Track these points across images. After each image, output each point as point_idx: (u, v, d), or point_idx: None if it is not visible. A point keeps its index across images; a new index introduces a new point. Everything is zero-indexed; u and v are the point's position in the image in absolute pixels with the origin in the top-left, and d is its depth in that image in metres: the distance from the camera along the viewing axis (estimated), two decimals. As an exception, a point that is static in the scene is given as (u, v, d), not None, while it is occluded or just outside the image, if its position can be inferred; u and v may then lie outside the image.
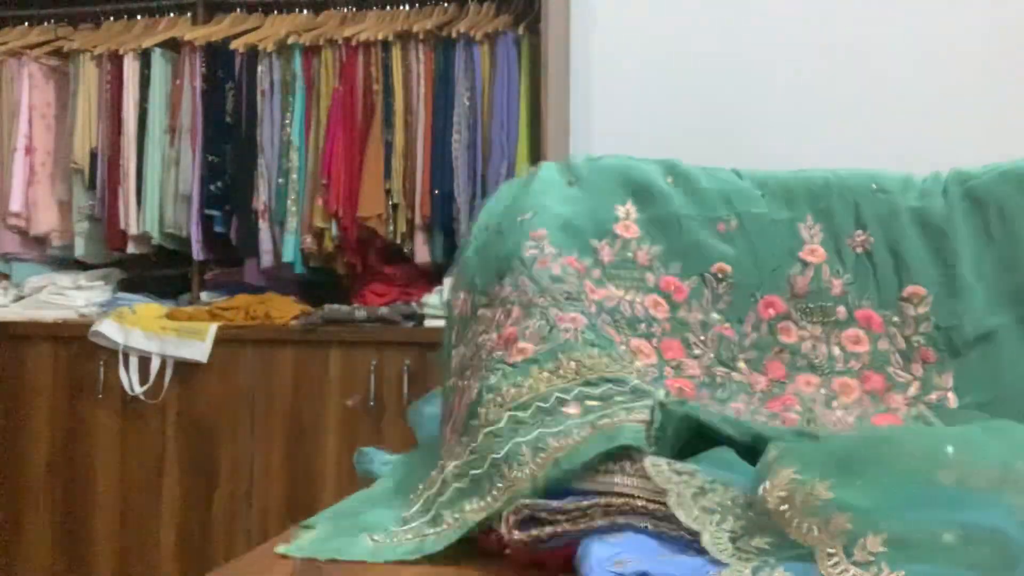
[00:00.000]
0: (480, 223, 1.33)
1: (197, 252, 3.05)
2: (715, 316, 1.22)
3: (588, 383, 1.01)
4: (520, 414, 0.97)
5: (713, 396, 1.18)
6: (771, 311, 1.23)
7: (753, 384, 1.19)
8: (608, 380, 1.01)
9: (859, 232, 1.25)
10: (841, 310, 1.21)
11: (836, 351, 1.20)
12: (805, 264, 1.24)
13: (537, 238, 1.21)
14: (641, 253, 1.24)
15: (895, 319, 1.20)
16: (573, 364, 1.03)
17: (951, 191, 1.28)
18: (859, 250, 1.24)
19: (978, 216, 1.25)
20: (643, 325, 1.20)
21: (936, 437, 0.73)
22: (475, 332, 1.19)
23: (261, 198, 2.99)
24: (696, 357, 1.20)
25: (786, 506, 0.67)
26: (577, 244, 1.23)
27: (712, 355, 1.21)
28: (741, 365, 1.20)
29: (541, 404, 0.98)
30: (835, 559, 0.62)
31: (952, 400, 1.17)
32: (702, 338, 1.21)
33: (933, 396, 1.17)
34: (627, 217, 1.27)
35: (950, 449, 0.68)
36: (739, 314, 1.22)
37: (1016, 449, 0.70)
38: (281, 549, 0.97)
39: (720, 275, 1.24)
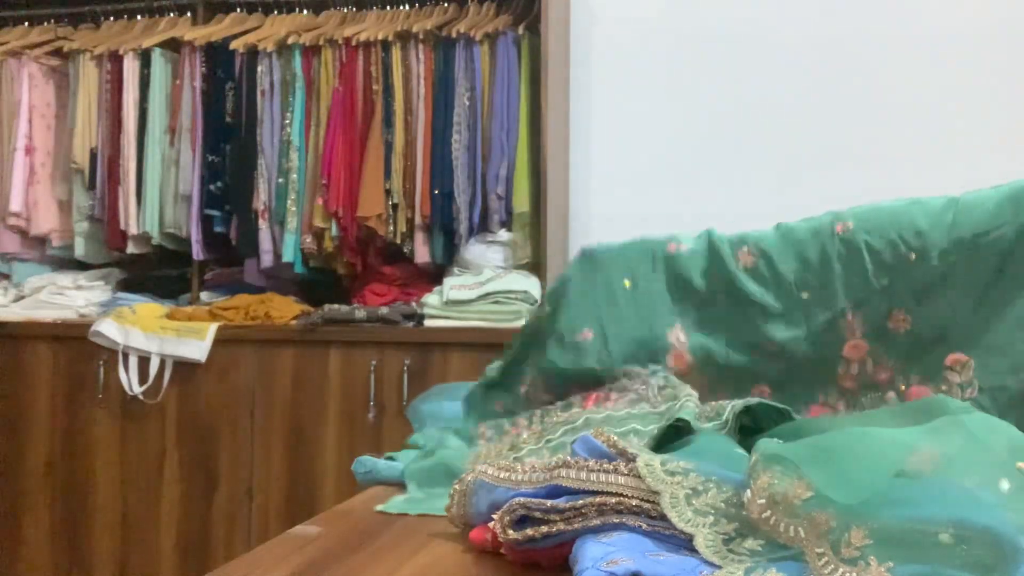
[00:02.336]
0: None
1: (197, 252, 3.06)
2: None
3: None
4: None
5: None
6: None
7: None
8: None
9: (898, 312, 1.19)
10: (891, 396, 1.17)
11: None
12: (849, 362, 1.20)
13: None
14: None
15: (943, 388, 1.15)
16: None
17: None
18: (901, 330, 1.19)
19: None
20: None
21: (915, 432, 0.73)
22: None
23: (261, 198, 2.99)
24: None
25: (768, 512, 0.67)
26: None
27: None
28: None
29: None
30: (825, 559, 0.62)
31: None
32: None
33: None
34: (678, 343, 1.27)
35: (925, 443, 0.68)
36: None
37: (992, 440, 0.70)
38: (379, 508, 1.08)
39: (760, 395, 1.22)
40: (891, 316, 1.18)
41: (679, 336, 1.26)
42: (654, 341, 1.25)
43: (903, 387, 1.17)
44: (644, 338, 1.26)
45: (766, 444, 0.73)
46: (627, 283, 1.30)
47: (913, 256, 1.17)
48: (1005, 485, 0.66)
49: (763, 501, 0.68)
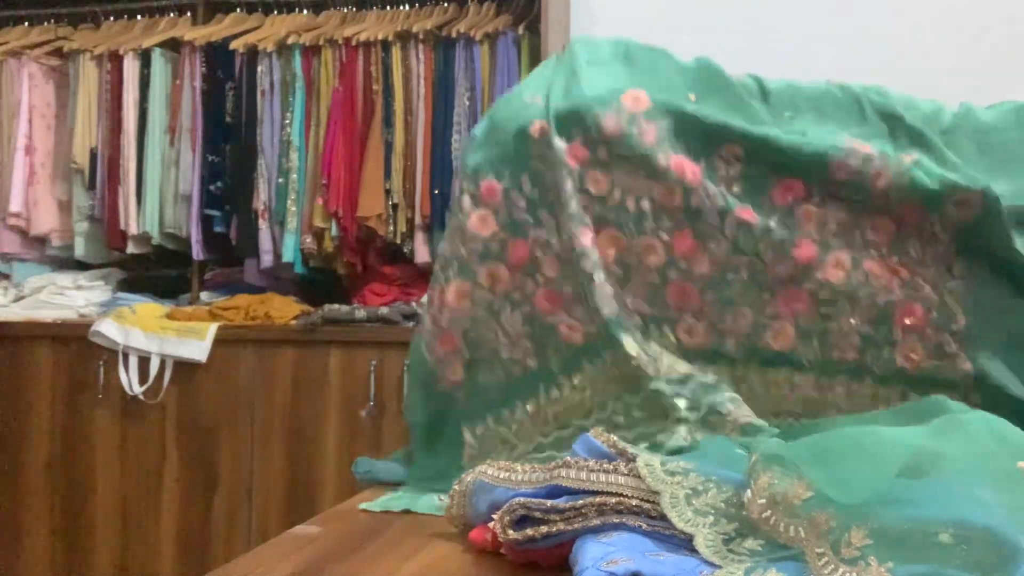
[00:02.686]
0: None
1: (197, 252, 3.06)
2: (732, 201, 1.12)
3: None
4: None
5: (719, 299, 1.12)
6: (784, 198, 1.13)
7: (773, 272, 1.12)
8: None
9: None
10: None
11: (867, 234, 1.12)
12: (850, 152, 1.12)
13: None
14: (649, 128, 1.12)
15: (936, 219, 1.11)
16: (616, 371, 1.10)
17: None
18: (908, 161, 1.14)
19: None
20: (649, 221, 1.12)
21: (915, 432, 0.73)
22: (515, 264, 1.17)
23: (261, 198, 2.99)
24: (708, 252, 1.12)
25: (768, 512, 0.67)
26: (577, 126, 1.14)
27: (727, 245, 1.12)
28: (763, 251, 1.12)
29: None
30: (824, 559, 0.62)
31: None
32: (720, 226, 1.12)
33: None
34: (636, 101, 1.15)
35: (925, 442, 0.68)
36: (758, 197, 1.13)
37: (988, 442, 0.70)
38: (363, 505, 1.07)
39: (734, 156, 1.14)
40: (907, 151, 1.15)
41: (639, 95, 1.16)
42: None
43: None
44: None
45: (766, 444, 0.73)
46: None
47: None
48: (1006, 485, 0.66)
49: (763, 501, 0.68)
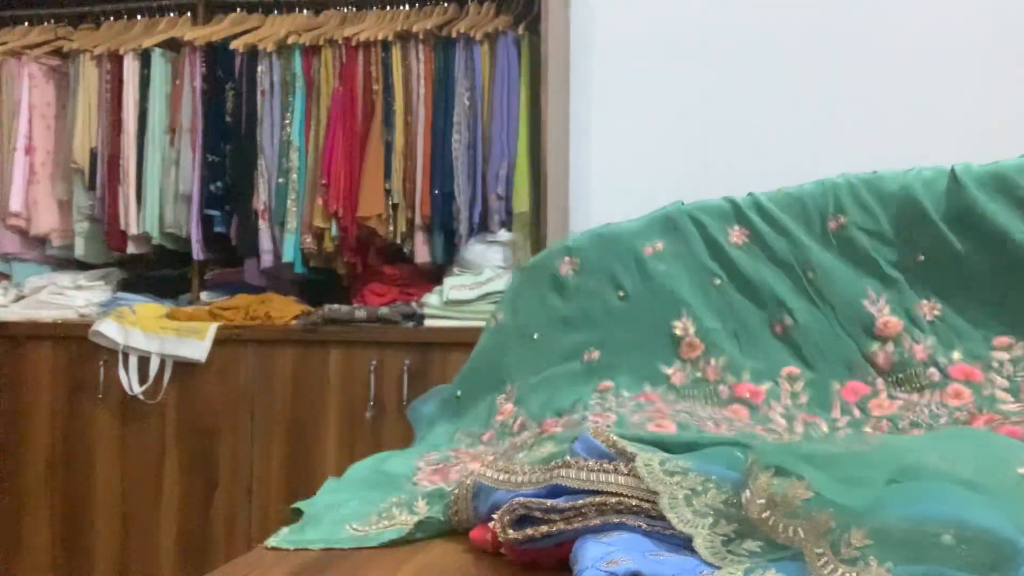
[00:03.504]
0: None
1: (197, 252, 3.06)
2: (796, 411, 1.18)
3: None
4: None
5: None
6: (855, 396, 1.18)
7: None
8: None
9: (924, 302, 1.20)
10: (933, 372, 1.17)
11: (938, 409, 1.14)
12: (883, 340, 1.19)
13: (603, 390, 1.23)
14: (709, 368, 1.22)
15: (994, 364, 1.15)
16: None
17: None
18: (930, 318, 1.20)
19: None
20: (724, 425, 1.16)
21: (920, 438, 0.73)
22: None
23: (261, 198, 2.99)
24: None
25: (767, 512, 0.67)
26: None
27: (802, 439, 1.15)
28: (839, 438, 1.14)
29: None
30: (824, 559, 0.62)
31: None
32: (789, 428, 1.16)
33: None
34: (685, 333, 1.25)
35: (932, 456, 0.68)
36: (822, 406, 1.18)
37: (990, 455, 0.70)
38: (270, 542, 1.00)
39: (791, 376, 1.21)
40: (919, 304, 1.20)
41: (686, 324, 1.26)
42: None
43: (947, 364, 1.17)
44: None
45: (764, 445, 0.73)
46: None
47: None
48: (1007, 486, 0.66)
49: (762, 501, 0.68)
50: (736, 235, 1.29)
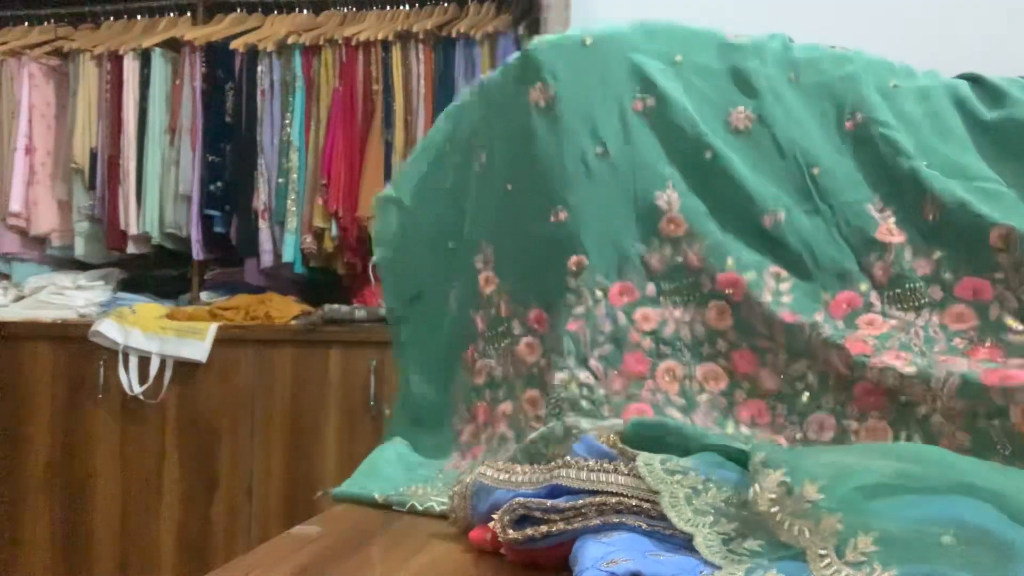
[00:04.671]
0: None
1: (197, 252, 3.06)
2: (782, 306, 1.07)
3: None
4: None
5: (793, 410, 1.06)
6: (844, 310, 1.08)
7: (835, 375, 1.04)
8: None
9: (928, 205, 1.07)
10: (936, 289, 1.05)
11: (935, 333, 1.04)
12: (884, 250, 1.07)
13: (577, 269, 1.12)
14: (692, 254, 1.11)
15: (998, 275, 1.02)
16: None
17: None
18: (931, 218, 1.07)
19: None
20: (706, 346, 1.10)
21: (926, 449, 0.73)
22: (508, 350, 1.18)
23: (261, 198, 2.99)
24: (768, 365, 1.08)
25: (776, 508, 0.67)
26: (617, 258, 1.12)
27: (784, 355, 1.07)
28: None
29: None
30: (827, 560, 0.61)
31: None
32: (770, 334, 1.08)
33: None
34: (669, 207, 1.12)
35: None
36: (805, 311, 1.07)
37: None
38: (334, 491, 1.11)
39: (778, 277, 1.10)
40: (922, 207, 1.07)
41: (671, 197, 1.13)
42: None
43: (953, 281, 1.05)
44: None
45: (772, 447, 0.73)
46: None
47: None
48: (1009, 485, 0.66)
49: (773, 496, 0.67)
50: (741, 118, 1.17)
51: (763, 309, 1.07)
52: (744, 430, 1.07)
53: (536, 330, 1.17)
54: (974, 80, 1.19)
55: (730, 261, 1.10)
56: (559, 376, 1.09)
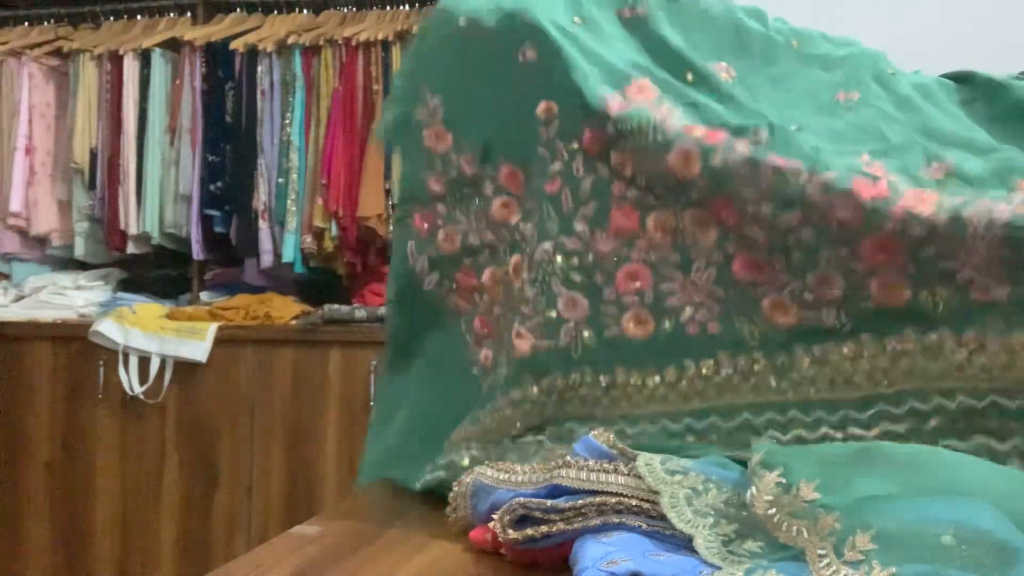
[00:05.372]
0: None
1: (197, 252, 3.06)
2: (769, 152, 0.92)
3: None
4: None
5: (790, 265, 0.92)
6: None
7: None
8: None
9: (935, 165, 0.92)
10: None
11: None
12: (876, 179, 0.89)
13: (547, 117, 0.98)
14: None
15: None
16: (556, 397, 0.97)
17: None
18: (938, 177, 0.91)
19: None
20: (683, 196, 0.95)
21: (925, 449, 0.73)
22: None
23: (261, 198, 2.99)
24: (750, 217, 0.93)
25: (773, 510, 0.67)
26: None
27: (769, 205, 0.91)
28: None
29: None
30: (826, 560, 0.61)
31: None
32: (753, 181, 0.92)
33: None
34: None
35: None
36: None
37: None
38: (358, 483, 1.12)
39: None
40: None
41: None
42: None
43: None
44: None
45: (770, 446, 0.72)
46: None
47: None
48: (1009, 487, 0.66)
49: (769, 498, 0.67)
50: (723, 71, 1.04)
51: (739, 156, 0.92)
52: (742, 289, 0.94)
53: (510, 190, 1.04)
54: (965, 78, 1.17)
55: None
56: (544, 247, 0.99)
